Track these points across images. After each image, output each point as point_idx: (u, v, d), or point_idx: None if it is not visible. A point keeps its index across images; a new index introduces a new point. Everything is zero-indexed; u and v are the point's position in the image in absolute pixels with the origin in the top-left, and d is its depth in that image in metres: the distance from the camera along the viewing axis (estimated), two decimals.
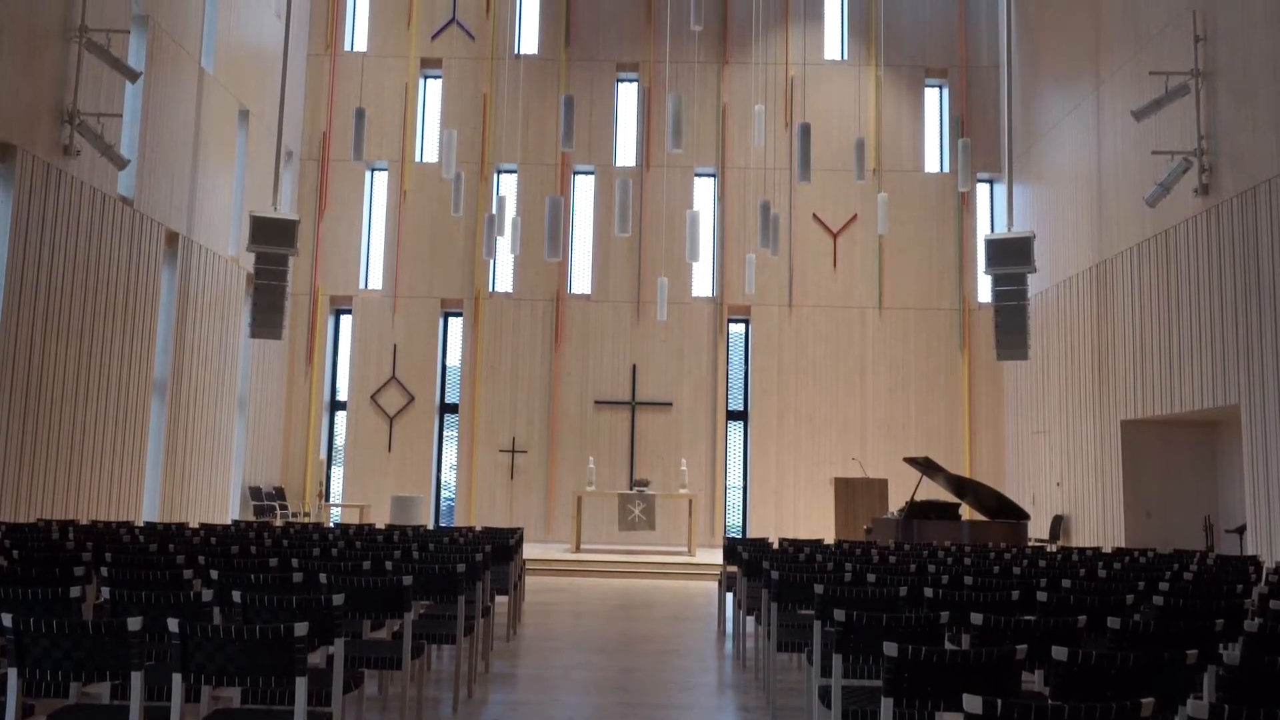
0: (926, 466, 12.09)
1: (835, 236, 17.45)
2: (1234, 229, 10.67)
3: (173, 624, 3.56)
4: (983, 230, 17.70)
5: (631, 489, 15.76)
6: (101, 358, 11.56)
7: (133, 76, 11.23)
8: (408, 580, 5.03)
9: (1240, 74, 10.63)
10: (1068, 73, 15.01)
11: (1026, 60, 16.58)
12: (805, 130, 12.53)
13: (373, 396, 17.20)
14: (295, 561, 6.00)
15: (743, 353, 17.72)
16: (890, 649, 3.40)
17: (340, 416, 17.65)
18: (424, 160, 17.93)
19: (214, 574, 4.85)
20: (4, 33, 9.78)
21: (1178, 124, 11.63)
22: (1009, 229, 13.27)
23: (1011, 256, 12.57)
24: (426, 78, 18.26)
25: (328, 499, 17.01)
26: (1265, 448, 10.04)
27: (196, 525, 9.69)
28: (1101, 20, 13.95)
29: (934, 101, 18.25)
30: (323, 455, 17.29)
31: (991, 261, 12.61)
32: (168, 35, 13.02)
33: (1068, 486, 14.68)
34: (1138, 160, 12.62)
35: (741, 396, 17.65)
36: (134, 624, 3.52)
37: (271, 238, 12.39)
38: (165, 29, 12.95)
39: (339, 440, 17.62)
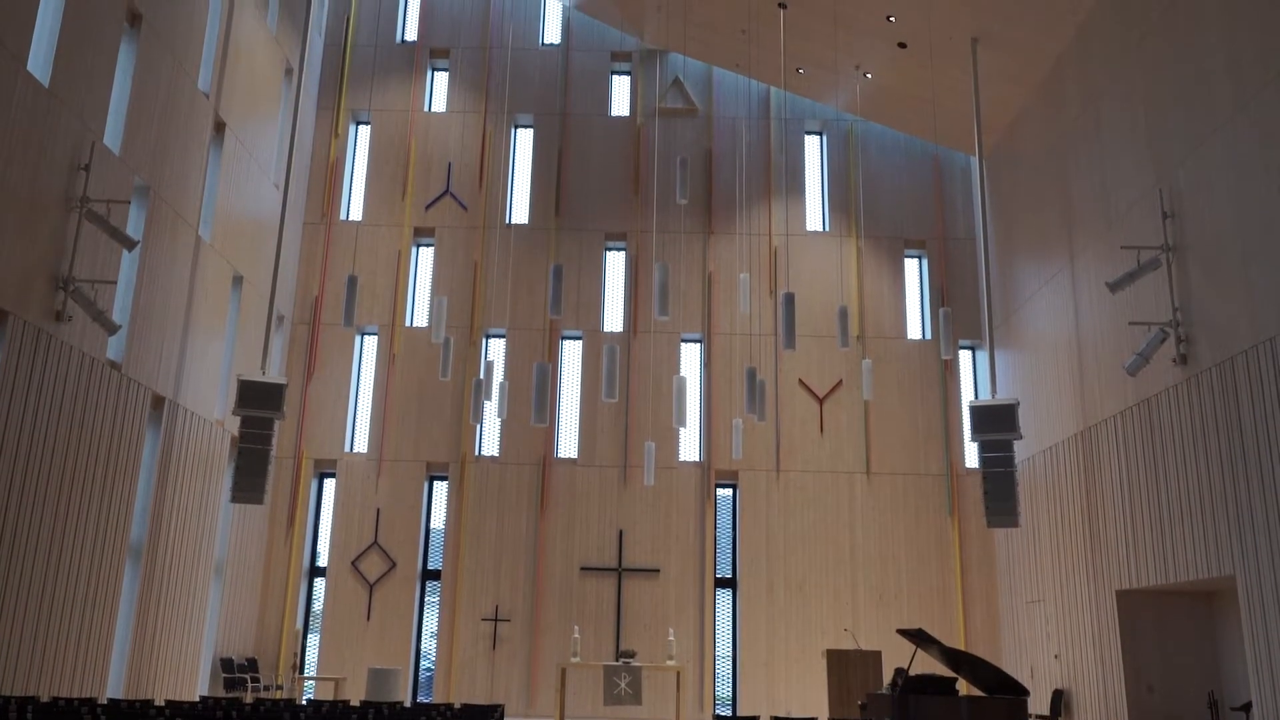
0: (920, 639, 11.76)
1: (821, 402, 17.56)
2: (1215, 399, 10.77)
3: None
4: (967, 396, 17.87)
5: (617, 660, 15.25)
6: (78, 522, 11.33)
7: (130, 245, 11.46)
8: None
9: (1209, 249, 10.97)
10: (1042, 245, 15.49)
11: (1001, 233, 17.13)
12: (789, 300, 12.78)
13: (353, 562, 16.83)
14: None
15: (730, 518, 17.53)
16: None
17: (319, 583, 17.22)
18: (414, 325, 18.15)
19: None
20: (6, 201, 10.02)
21: (1152, 295, 11.92)
22: (993, 396, 13.38)
23: (996, 423, 12.61)
24: (419, 245, 18.70)
25: (302, 671, 16.38)
26: (1265, 621, 9.83)
27: (162, 702, 9.28)
28: (1071, 196, 14.49)
29: (914, 271, 18.73)
30: (299, 625, 16.76)
31: (977, 428, 12.64)
32: (167, 205, 13.37)
33: (1066, 659, 14.29)
34: (1116, 330, 12.86)
35: (730, 563, 17.35)
36: None
37: (258, 401, 12.36)
38: (165, 199, 13.31)
39: (317, 606, 17.12)
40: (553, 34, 19.60)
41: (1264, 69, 10.02)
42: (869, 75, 17.29)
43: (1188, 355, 11.29)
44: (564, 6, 19.46)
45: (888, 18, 15.57)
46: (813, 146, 19.18)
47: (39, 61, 10.73)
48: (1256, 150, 10.12)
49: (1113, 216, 13.16)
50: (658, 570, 16.89)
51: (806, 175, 18.87)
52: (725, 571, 17.32)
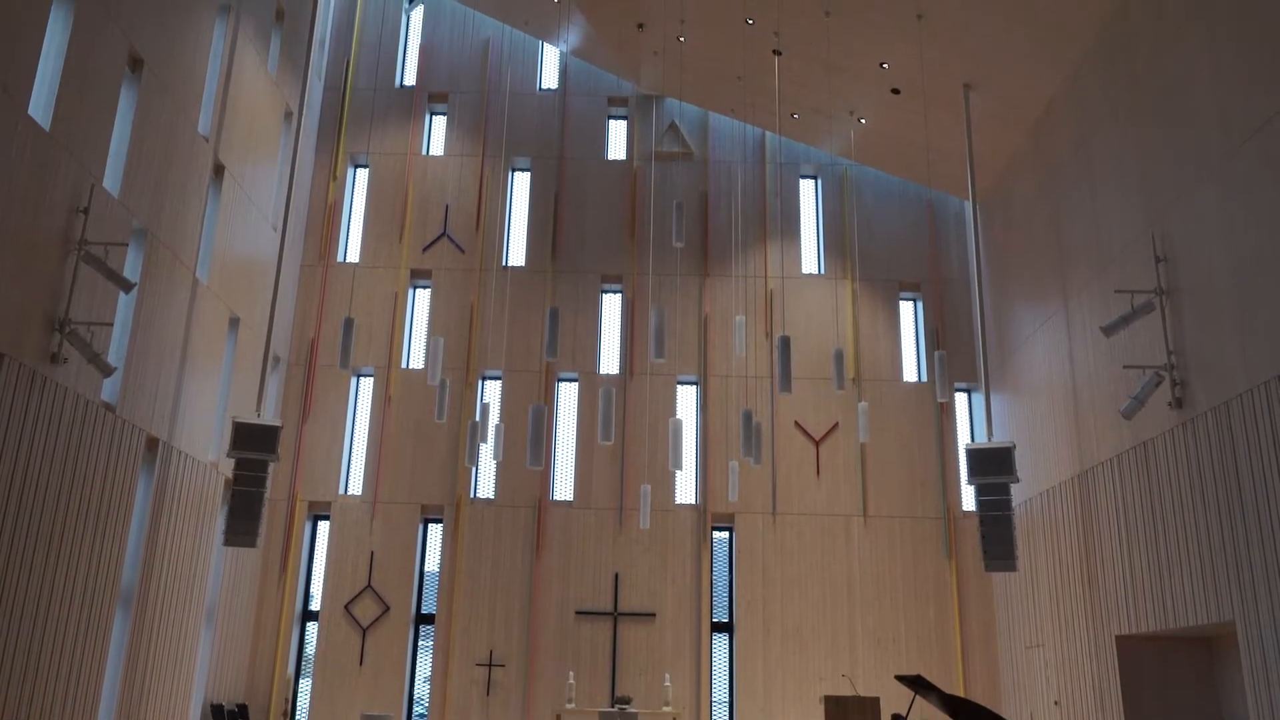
0: (919, 685, 11.64)
1: (818, 444, 17.53)
2: (1211, 443, 10.75)
3: None
4: (963, 439, 17.84)
5: (613, 706, 15.07)
6: (69, 566, 11.23)
7: (127, 287, 11.47)
8: None
9: (1202, 292, 11.01)
10: (1036, 289, 15.55)
11: (995, 276, 17.22)
12: (785, 343, 12.78)
13: (346, 606, 16.67)
14: None
15: (727, 561, 17.42)
16: None
17: (311, 627, 17.04)
18: (410, 367, 18.14)
19: None
20: (5, 243, 10.04)
21: (1147, 339, 11.94)
22: (989, 439, 13.37)
23: (993, 466, 12.58)
24: (416, 287, 18.75)
25: (293, 717, 16.16)
26: (1265, 667, 9.74)
27: None
28: (1064, 241, 14.57)
29: (909, 313, 18.78)
30: (291, 670, 16.57)
31: (973, 471, 12.61)
32: (165, 247, 13.40)
33: (1066, 705, 14.14)
34: (1111, 373, 12.87)
35: (726, 607, 17.20)
36: None
37: (253, 444, 12.32)
38: (163, 241, 13.35)
39: (309, 651, 16.93)
40: (550, 79, 19.82)
41: (1255, 113, 10.12)
42: (863, 120, 17.47)
43: (1183, 399, 11.29)
44: (561, 52, 19.70)
45: (881, 64, 15.76)
46: (808, 190, 19.33)
47: (40, 105, 10.80)
48: (1249, 193, 10.20)
49: (1106, 260, 13.23)
50: (654, 614, 16.75)
51: (802, 218, 18.99)
52: (722, 615, 17.18)
